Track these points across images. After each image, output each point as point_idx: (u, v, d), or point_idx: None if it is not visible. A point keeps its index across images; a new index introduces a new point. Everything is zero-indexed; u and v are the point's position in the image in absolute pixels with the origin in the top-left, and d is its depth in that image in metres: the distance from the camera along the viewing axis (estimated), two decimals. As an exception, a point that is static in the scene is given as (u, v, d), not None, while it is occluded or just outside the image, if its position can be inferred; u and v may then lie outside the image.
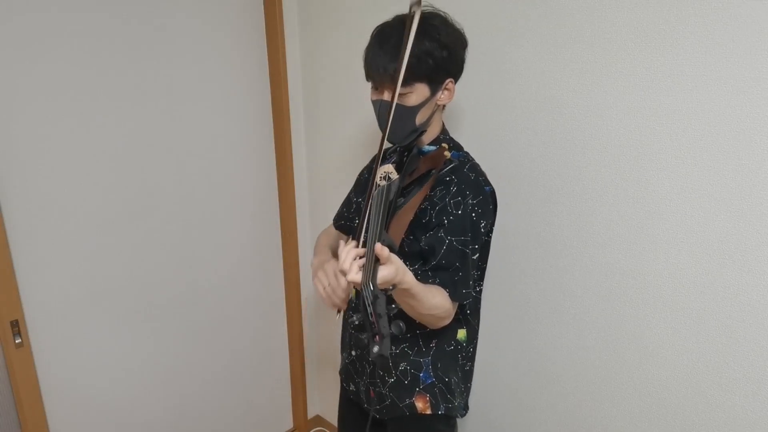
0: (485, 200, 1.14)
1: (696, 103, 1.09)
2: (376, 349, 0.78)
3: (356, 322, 0.83)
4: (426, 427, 1.28)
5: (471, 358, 1.33)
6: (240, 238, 1.97)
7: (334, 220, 1.47)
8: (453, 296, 1.09)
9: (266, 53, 1.90)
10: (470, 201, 1.12)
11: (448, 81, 1.12)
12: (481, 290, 1.30)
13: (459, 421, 1.73)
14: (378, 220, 0.86)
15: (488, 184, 1.17)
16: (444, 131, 1.22)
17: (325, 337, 2.24)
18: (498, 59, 1.38)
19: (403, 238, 1.12)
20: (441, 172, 1.15)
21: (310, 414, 2.38)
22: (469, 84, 1.44)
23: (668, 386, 1.25)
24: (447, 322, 1.12)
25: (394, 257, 0.88)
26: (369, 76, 1.12)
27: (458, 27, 1.11)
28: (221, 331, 1.98)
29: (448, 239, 1.10)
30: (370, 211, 0.88)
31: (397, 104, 1.07)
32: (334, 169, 1.96)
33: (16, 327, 1.47)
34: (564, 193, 1.33)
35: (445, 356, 1.25)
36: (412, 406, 1.24)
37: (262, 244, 2.05)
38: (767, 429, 1.13)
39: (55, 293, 1.55)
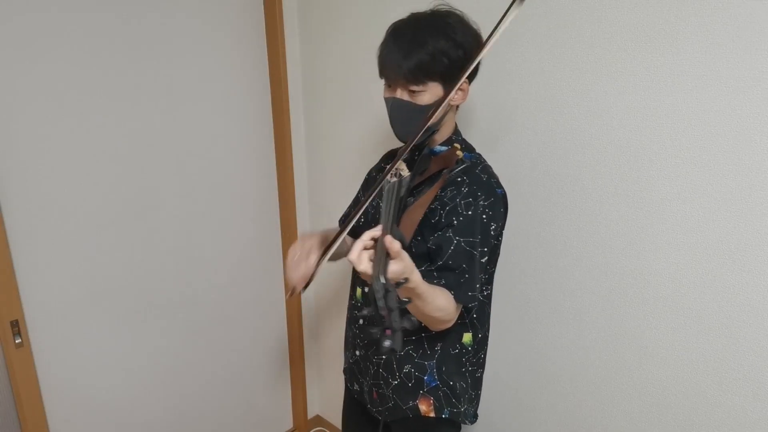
0: (497, 202, 1.12)
1: (696, 103, 1.09)
2: (387, 343, 0.76)
3: (366, 315, 0.80)
4: (429, 430, 1.26)
5: (481, 364, 1.30)
6: (240, 238, 1.97)
7: (340, 220, 1.46)
8: (457, 298, 1.07)
9: (266, 53, 1.90)
10: (481, 202, 1.10)
11: (463, 81, 1.09)
12: (489, 294, 1.27)
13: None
14: (389, 216, 0.85)
15: (500, 186, 1.15)
16: (456, 132, 1.21)
17: (325, 337, 2.24)
18: (498, 59, 1.38)
19: (411, 238, 1.11)
20: (452, 173, 1.13)
21: (310, 414, 2.38)
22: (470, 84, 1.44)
23: (668, 386, 1.25)
24: (448, 325, 1.10)
25: (404, 253, 0.87)
26: (383, 73, 1.10)
27: (475, 27, 1.10)
28: (221, 331, 1.98)
29: (456, 240, 1.08)
30: (380, 206, 0.86)
31: (409, 102, 1.07)
32: (334, 169, 1.96)
33: (16, 327, 1.47)
34: (564, 193, 1.32)
35: (450, 360, 1.23)
36: (416, 408, 1.22)
37: (262, 244, 2.05)
38: (767, 429, 1.13)
39: (55, 293, 1.55)
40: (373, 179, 1.37)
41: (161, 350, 1.82)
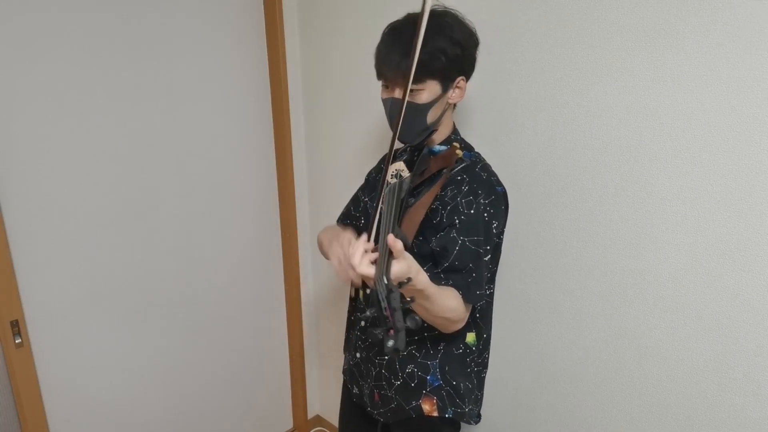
0: (497, 200, 1.12)
1: (696, 103, 1.09)
2: (390, 343, 0.75)
3: (369, 316, 0.80)
4: (431, 430, 1.25)
5: (485, 365, 1.30)
6: (240, 238, 1.97)
7: (339, 219, 1.45)
8: (467, 298, 1.07)
9: (266, 53, 1.90)
10: (482, 201, 1.10)
11: (460, 79, 1.11)
12: (492, 293, 1.27)
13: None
14: (390, 216, 0.85)
15: (500, 184, 1.16)
16: (455, 131, 1.21)
17: (325, 337, 2.24)
18: (498, 59, 1.38)
19: (413, 239, 1.11)
20: (452, 172, 1.13)
21: (310, 414, 2.38)
22: (470, 84, 1.44)
23: (668, 386, 1.25)
24: (460, 326, 1.09)
25: (407, 254, 0.87)
26: (380, 74, 1.10)
27: (471, 26, 1.10)
28: (221, 331, 1.98)
29: (461, 239, 1.08)
30: (381, 208, 0.86)
31: (408, 102, 1.06)
32: (334, 169, 1.96)
33: (16, 327, 1.47)
34: (564, 193, 1.32)
35: (454, 360, 1.22)
36: (419, 408, 1.22)
37: (262, 244, 2.05)
38: (767, 429, 1.13)
39: (55, 293, 1.55)
40: (373, 180, 1.36)
41: (161, 350, 1.82)
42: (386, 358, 1.23)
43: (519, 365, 1.54)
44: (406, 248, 0.87)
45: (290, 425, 2.34)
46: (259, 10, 1.85)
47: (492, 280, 1.25)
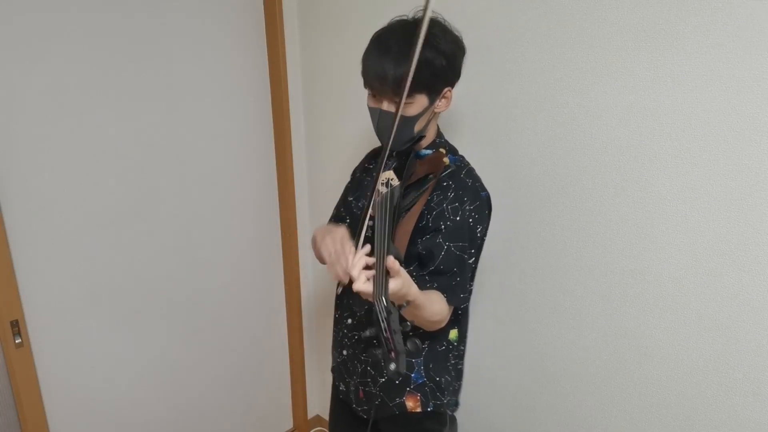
0: (482, 206, 1.15)
1: (696, 103, 1.09)
2: (392, 366, 0.78)
3: (369, 336, 0.82)
4: (416, 426, 1.29)
5: (462, 356, 1.35)
6: (240, 238, 1.97)
7: (330, 221, 1.45)
8: (450, 301, 1.10)
9: (266, 53, 1.90)
10: (468, 207, 1.12)
11: (447, 90, 1.11)
12: (471, 290, 1.29)
13: (459, 422, 1.73)
14: (384, 229, 0.85)
15: (484, 189, 1.18)
16: (439, 134, 1.23)
17: (325, 337, 2.24)
18: (498, 59, 1.38)
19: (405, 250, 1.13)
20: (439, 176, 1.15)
21: (310, 414, 2.38)
22: (470, 84, 1.44)
23: (668, 386, 1.25)
24: (442, 325, 1.14)
25: (402, 270, 0.89)
26: (368, 83, 1.10)
27: (457, 34, 1.10)
28: (221, 331, 1.98)
29: (446, 245, 1.11)
30: (372, 216, 0.87)
31: (394, 116, 1.08)
32: (334, 169, 1.96)
33: (16, 327, 1.47)
34: (564, 193, 1.32)
35: (438, 357, 1.26)
36: (402, 405, 1.25)
37: (262, 244, 2.05)
38: (767, 429, 1.13)
39: (55, 293, 1.55)
40: (359, 179, 1.37)
41: (161, 350, 1.82)
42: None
43: (519, 365, 1.54)
44: (400, 262, 0.88)
45: (290, 425, 2.34)
46: (259, 10, 1.85)
47: (472, 278, 1.28)
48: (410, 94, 1.05)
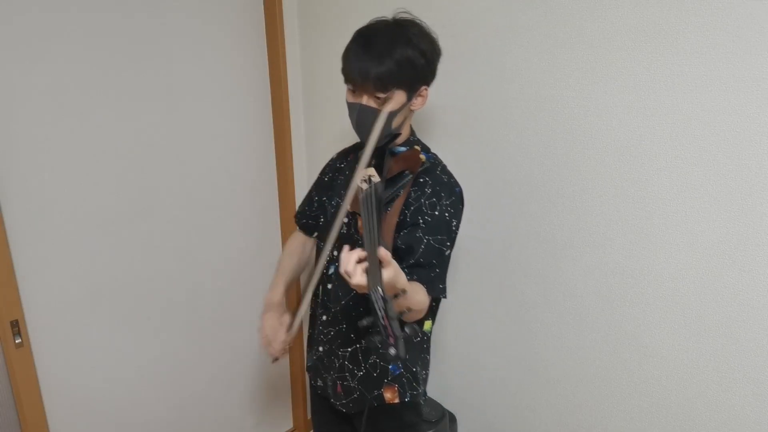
0: (456, 201, 1.20)
1: (696, 103, 1.09)
2: (392, 351, 0.82)
3: (366, 325, 0.86)
4: (394, 417, 1.32)
5: (430, 347, 1.38)
6: (240, 238, 1.97)
7: (296, 216, 1.50)
8: (430, 291, 1.14)
9: (266, 53, 1.90)
10: (444, 202, 1.17)
11: (423, 88, 1.16)
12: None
13: (459, 422, 1.74)
14: (372, 223, 0.88)
15: (458, 185, 1.23)
16: (413, 132, 1.27)
17: (325, 337, 2.24)
18: (498, 59, 1.38)
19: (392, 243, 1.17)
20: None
21: (310, 414, 2.38)
22: (470, 84, 1.44)
23: (668, 386, 1.25)
24: (421, 316, 1.17)
25: (393, 261, 0.92)
26: (349, 79, 1.14)
27: (434, 36, 1.15)
28: (221, 331, 1.98)
29: (426, 239, 1.15)
30: (362, 215, 0.89)
31: (375, 109, 1.11)
32: (334, 169, 1.95)
33: (16, 327, 1.47)
34: (564, 193, 1.32)
35: (414, 347, 1.30)
36: (380, 397, 1.28)
37: (262, 243, 2.05)
38: (767, 429, 1.13)
39: (55, 293, 1.55)
40: (330, 180, 1.40)
41: (161, 350, 1.82)
42: (349, 350, 1.29)
43: (519, 365, 1.54)
44: None
45: (290, 425, 2.34)
46: (259, 10, 1.85)
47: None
48: (390, 89, 1.10)
